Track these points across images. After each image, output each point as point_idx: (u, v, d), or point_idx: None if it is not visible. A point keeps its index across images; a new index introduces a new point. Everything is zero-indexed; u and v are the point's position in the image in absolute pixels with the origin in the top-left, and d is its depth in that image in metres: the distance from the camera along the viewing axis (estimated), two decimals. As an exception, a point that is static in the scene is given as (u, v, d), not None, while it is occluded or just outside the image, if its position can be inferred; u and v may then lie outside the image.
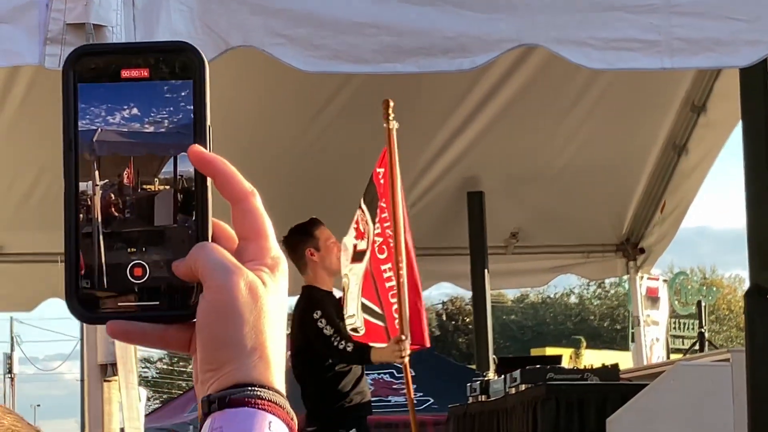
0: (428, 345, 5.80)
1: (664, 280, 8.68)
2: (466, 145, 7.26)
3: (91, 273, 0.84)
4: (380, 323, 5.62)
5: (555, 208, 7.68)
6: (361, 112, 6.90)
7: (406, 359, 5.46)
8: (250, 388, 0.81)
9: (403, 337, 5.41)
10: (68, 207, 0.84)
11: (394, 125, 5.61)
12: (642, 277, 8.03)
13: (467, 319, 37.14)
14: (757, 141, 4.26)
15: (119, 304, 0.84)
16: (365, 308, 5.66)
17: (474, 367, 7.83)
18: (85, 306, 0.84)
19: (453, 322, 39.76)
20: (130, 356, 3.11)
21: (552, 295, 40.95)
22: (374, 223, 5.61)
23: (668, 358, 8.77)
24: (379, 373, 8.60)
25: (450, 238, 7.80)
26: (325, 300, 5.92)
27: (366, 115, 6.97)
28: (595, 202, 7.67)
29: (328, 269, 6.01)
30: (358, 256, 5.74)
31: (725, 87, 6.54)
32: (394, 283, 5.47)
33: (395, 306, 5.45)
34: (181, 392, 23.65)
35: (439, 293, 42.00)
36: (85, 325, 3.36)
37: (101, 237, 0.84)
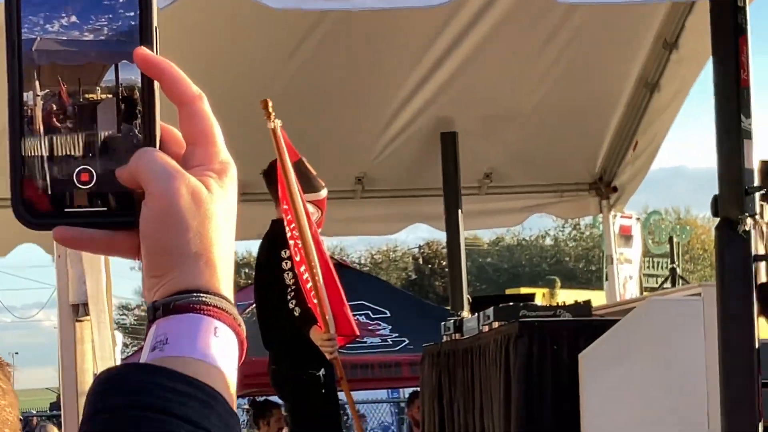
0: (357, 333, 6.01)
1: (637, 219, 8.72)
2: (439, 85, 7.24)
3: (36, 180, 0.83)
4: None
5: (528, 147, 7.69)
6: (336, 51, 6.87)
7: (335, 354, 5.61)
8: (195, 294, 0.79)
9: (333, 335, 5.55)
10: (12, 114, 0.83)
11: (277, 124, 5.57)
12: (615, 216, 8.07)
13: (444, 263, 37.23)
14: (727, 76, 4.27)
15: (66, 210, 0.83)
16: None
17: (449, 308, 7.87)
18: (32, 213, 0.83)
19: (429, 266, 39.86)
20: (102, 295, 3.10)
21: (527, 237, 41.17)
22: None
23: (641, 295, 8.81)
24: (354, 314, 8.58)
25: (424, 179, 7.80)
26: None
27: (341, 54, 6.93)
28: (568, 141, 7.68)
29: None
30: None
31: (697, 23, 6.53)
32: (311, 284, 5.53)
33: (318, 307, 5.53)
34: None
35: (415, 237, 42.15)
36: (58, 268, 3.34)
37: (45, 146, 0.83)
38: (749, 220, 4.11)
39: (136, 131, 0.83)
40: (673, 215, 38.03)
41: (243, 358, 0.83)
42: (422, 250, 40.03)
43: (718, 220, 4.27)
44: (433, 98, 7.32)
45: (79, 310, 3.32)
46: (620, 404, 4.83)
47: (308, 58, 6.84)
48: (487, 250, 41.31)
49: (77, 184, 0.83)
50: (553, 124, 7.49)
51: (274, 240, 5.87)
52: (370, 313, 10.68)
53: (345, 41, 6.83)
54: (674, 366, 4.82)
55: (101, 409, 0.75)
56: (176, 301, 0.79)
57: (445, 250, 8.27)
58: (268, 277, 5.95)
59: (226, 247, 0.82)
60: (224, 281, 0.81)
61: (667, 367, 4.82)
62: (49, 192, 0.83)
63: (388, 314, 10.81)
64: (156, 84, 0.84)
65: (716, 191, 4.27)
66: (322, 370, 5.81)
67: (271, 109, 5.56)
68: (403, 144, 7.64)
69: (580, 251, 40.08)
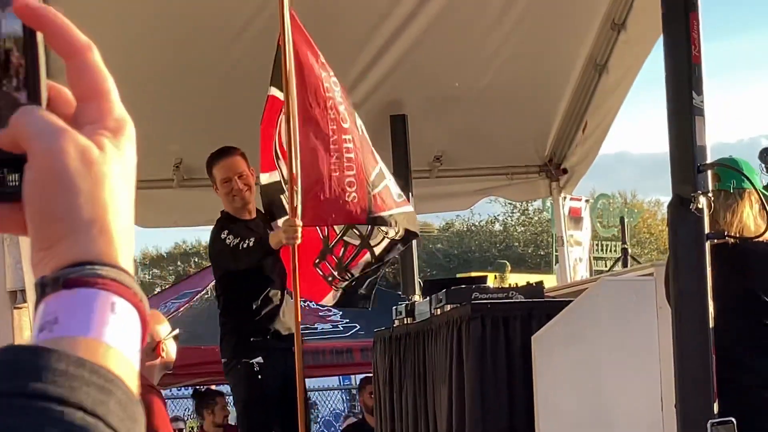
0: (326, 224, 5.74)
1: (587, 201, 8.71)
2: (387, 68, 7.16)
3: None
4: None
5: (478, 130, 7.64)
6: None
7: (294, 242, 5.40)
8: (89, 266, 0.70)
9: (297, 221, 5.39)
10: None
11: None
12: (565, 198, 8.06)
13: (392, 250, 37.16)
14: (679, 53, 4.23)
15: None
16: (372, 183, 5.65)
17: (400, 292, 7.81)
18: None
19: (379, 253, 39.78)
20: (40, 281, 3.00)
21: (477, 223, 41.32)
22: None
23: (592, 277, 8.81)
24: (304, 301, 8.49)
25: (373, 163, 7.72)
26: (233, 222, 5.89)
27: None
28: (518, 123, 7.65)
29: (229, 207, 5.97)
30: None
31: (644, 4, 6.52)
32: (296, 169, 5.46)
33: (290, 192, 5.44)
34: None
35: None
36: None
37: None
38: (702, 198, 4.08)
39: (19, 90, 0.73)
40: (620, 200, 38.32)
41: (146, 338, 0.73)
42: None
43: (665, 202, 4.24)
44: (382, 81, 7.24)
45: (17, 297, 3.20)
46: (574, 385, 4.80)
47: (254, 41, 6.73)
48: (437, 236, 41.37)
49: None
50: (502, 105, 7.45)
51: (217, 230, 5.90)
52: (320, 298, 10.58)
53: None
54: (628, 346, 4.79)
55: None
56: (67, 275, 0.70)
57: (387, 240, 8.16)
58: (218, 267, 5.95)
59: (123, 213, 0.73)
60: (123, 252, 0.72)
61: (621, 347, 4.79)
62: None
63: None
64: (40, 36, 0.75)
65: (660, 175, 4.24)
66: (258, 358, 5.78)
67: None
68: (352, 127, 7.55)
69: (529, 236, 40.28)
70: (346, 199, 5.54)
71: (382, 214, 5.66)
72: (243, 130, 6.31)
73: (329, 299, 6.11)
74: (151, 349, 4.70)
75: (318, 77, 5.58)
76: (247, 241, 5.61)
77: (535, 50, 7.17)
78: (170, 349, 4.79)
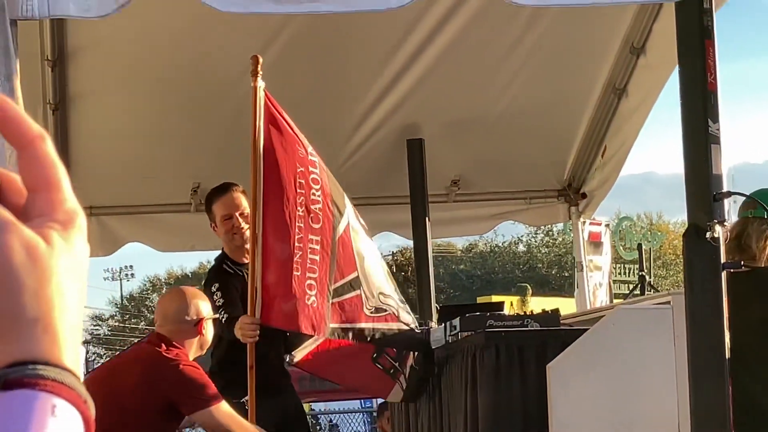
0: (283, 326, 5.39)
1: (606, 225, 8.65)
2: (404, 92, 7.15)
3: None
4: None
5: (496, 154, 7.60)
6: (299, 59, 6.76)
7: (250, 340, 5.16)
8: (31, 366, 0.68)
9: (256, 319, 5.15)
10: None
11: (260, 84, 5.29)
12: (584, 222, 8.00)
13: (416, 270, 37.13)
14: (694, 80, 4.19)
15: None
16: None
17: (417, 317, 7.76)
18: None
19: (402, 273, 39.78)
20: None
21: (500, 244, 41.24)
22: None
23: (611, 302, 8.76)
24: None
25: (391, 187, 7.70)
26: (226, 271, 5.73)
27: (304, 62, 6.82)
28: (536, 147, 7.60)
29: (228, 246, 5.81)
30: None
31: (664, 28, 6.46)
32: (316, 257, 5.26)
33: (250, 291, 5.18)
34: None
35: (388, 244, 42.06)
36: None
37: None
38: (718, 227, 4.03)
39: None
40: (646, 221, 38.17)
41: None
42: (395, 258, 39.96)
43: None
44: (399, 105, 7.22)
45: None
46: (589, 415, 4.75)
47: (271, 66, 6.72)
48: (460, 257, 41.32)
49: None
50: (520, 129, 7.41)
51: (209, 278, 5.78)
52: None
53: (308, 49, 6.72)
54: (644, 375, 4.73)
55: None
56: (7, 376, 0.68)
57: (418, 258, 8.07)
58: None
59: (71, 309, 0.71)
60: (68, 350, 0.70)
61: (637, 376, 4.74)
62: None
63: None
64: None
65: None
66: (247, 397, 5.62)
67: (260, 68, 5.29)
68: (369, 152, 7.54)
69: (553, 257, 40.15)
70: (306, 302, 5.23)
71: (335, 325, 5.36)
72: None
73: (395, 395, 5.78)
74: (192, 324, 4.67)
75: (293, 172, 5.37)
76: (223, 312, 5.39)
77: (553, 74, 7.14)
78: (209, 330, 4.77)
